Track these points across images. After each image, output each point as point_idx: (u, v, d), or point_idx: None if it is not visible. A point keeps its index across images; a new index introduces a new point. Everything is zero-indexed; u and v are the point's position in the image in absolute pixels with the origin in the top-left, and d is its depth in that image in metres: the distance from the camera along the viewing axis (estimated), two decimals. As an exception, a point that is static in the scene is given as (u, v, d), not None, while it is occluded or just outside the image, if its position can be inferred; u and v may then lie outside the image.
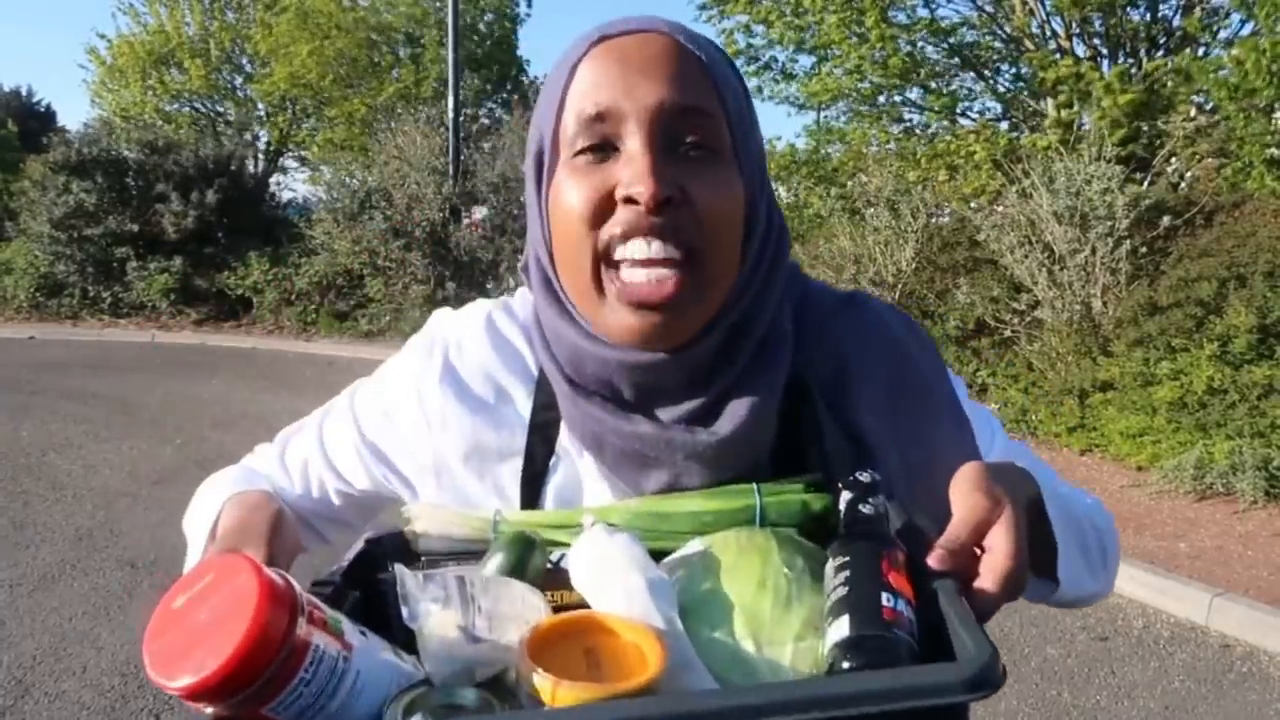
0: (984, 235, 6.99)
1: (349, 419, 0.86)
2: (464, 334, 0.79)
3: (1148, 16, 8.78)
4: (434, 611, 0.55)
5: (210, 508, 0.78)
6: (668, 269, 0.62)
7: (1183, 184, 7.90)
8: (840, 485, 0.61)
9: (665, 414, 0.68)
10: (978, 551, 0.58)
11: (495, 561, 0.62)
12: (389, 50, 16.62)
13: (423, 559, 0.68)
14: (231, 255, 12.68)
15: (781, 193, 12.01)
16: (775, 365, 0.68)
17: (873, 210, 7.87)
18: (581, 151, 0.64)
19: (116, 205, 12.75)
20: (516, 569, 0.61)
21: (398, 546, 0.65)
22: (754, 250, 0.68)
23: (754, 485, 0.66)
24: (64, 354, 10.37)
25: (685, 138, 0.63)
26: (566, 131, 0.65)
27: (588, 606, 0.59)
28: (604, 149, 0.63)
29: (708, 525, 0.65)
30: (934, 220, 8.10)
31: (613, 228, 0.63)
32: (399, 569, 0.57)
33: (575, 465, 0.72)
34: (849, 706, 0.48)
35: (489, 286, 11.20)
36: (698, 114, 0.62)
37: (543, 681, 0.52)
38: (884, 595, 0.55)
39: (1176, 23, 8.68)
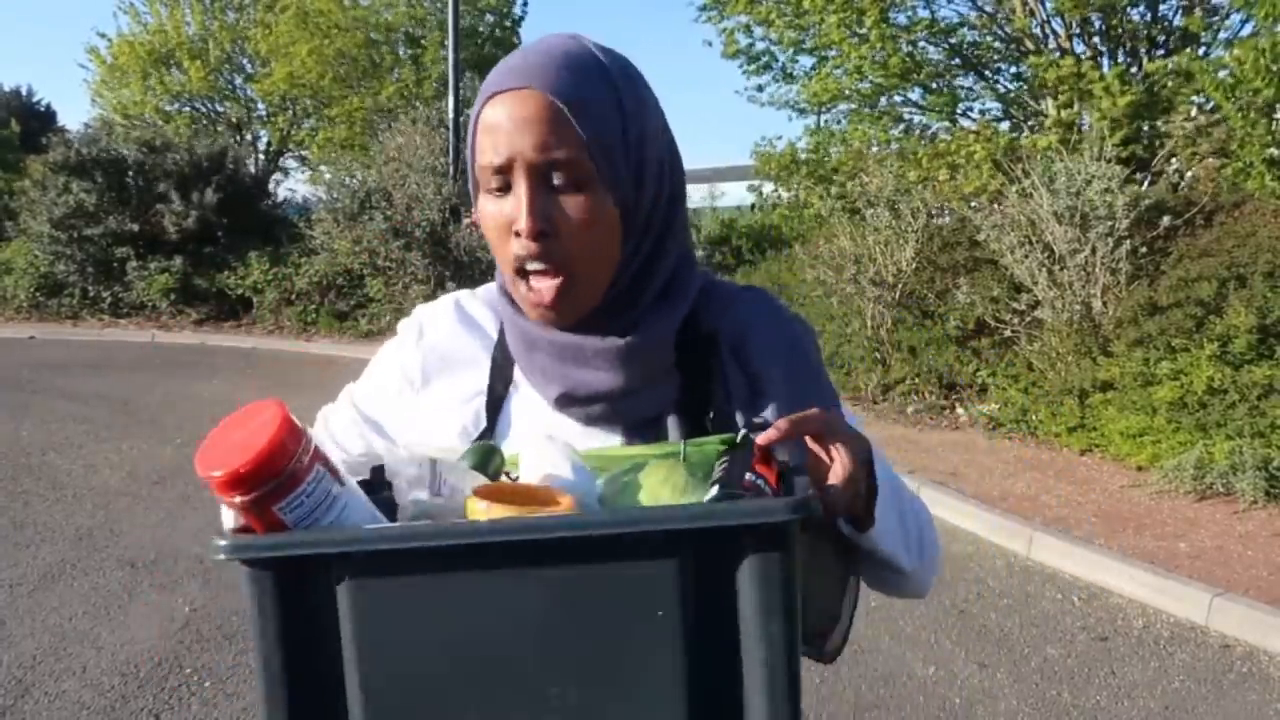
0: (984, 235, 6.99)
1: (347, 400, 1.07)
2: (436, 312, 1.02)
3: (1148, 16, 8.78)
4: (410, 477, 0.74)
5: None
6: (550, 279, 0.84)
7: (1183, 184, 7.90)
8: (742, 425, 0.82)
9: (587, 327, 0.88)
10: (827, 461, 0.77)
11: (464, 459, 0.78)
12: (389, 50, 16.61)
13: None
14: (231, 255, 12.67)
15: (781, 193, 12.03)
16: (672, 305, 0.89)
17: (873, 210, 7.87)
18: (490, 189, 0.85)
19: (116, 205, 12.74)
20: (479, 467, 0.77)
21: (378, 475, 0.79)
22: (635, 236, 0.86)
23: (681, 441, 0.83)
24: (64, 354, 10.37)
25: (554, 179, 0.82)
26: (479, 171, 0.85)
27: None
28: (504, 188, 0.83)
29: (639, 465, 0.80)
30: (934, 220, 8.10)
31: (516, 248, 0.84)
32: (387, 450, 0.79)
33: (527, 393, 0.92)
34: (693, 521, 0.63)
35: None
36: (561, 163, 0.81)
37: (477, 505, 0.68)
38: (748, 474, 0.72)
39: (1177, 22, 8.68)
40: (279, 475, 0.66)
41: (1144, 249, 6.46)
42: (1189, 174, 7.93)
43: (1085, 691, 3.16)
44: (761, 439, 0.74)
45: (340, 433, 1.04)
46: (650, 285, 0.88)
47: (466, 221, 11.63)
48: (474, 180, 0.87)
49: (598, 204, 0.83)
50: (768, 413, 0.85)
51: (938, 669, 3.29)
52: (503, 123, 0.81)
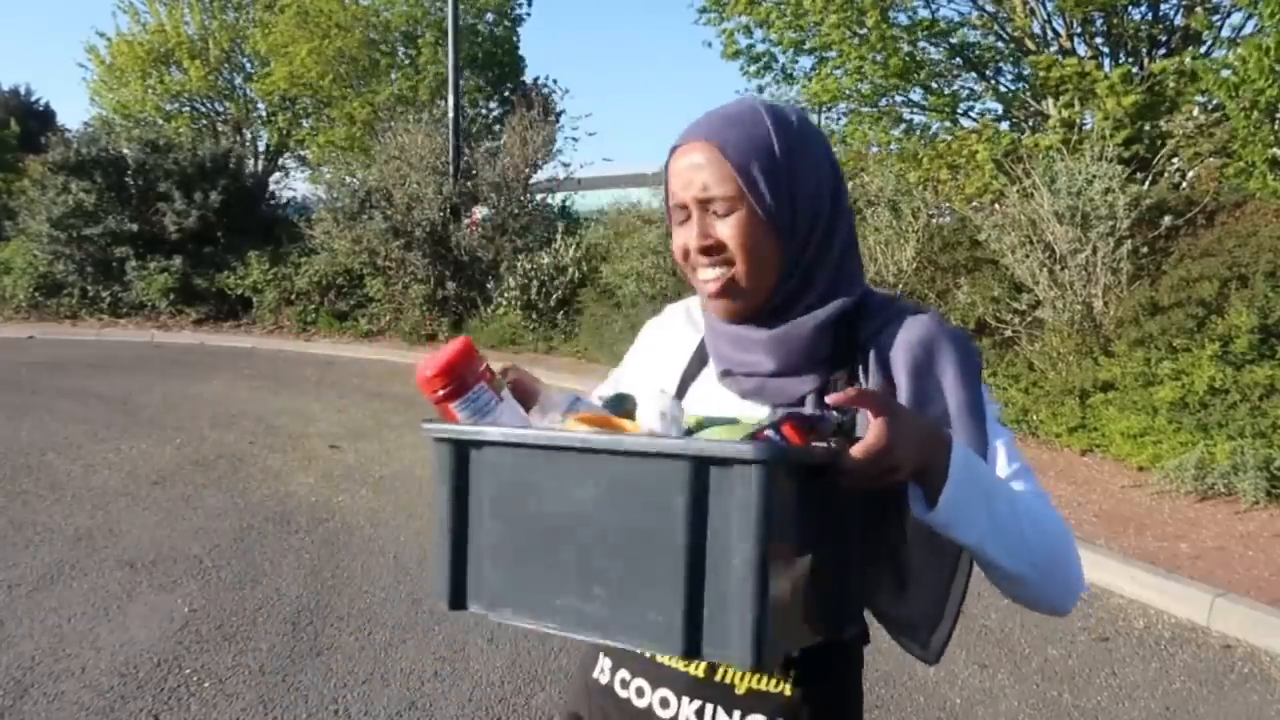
0: (985, 235, 6.98)
1: (613, 374, 1.38)
2: (667, 314, 1.32)
3: (1149, 15, 8.76)
4: (551, 407, 1.05)
5: None
6: (716, 279, 1.09)
7: (1184, 184, 7.89)
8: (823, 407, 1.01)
9: (753, 323, 1.12)
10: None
11: (606, 402, 1.12)
12: (389, 50, 16.60)
13: None
14: (231, 255, 12.67)
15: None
16: (818, 313, 1.08)
17: (873, 210, 7.86)
18: (678, 223, 1.11)
19: (116, 205, 12.74)
20: (614, 408, 1.09)
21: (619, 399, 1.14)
22: (794, 253, 1.08)
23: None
24: (63, 354, 10.37)
25: (713, 210, 1.07)
26: (672, 206, 1.11)
27: None
28: (685, 220, 1.09)
29: (738, 434, 0.99)
30: (935, 220, 8.09)
31: (689, 263, 1.12)
32: (543, 389, 1.12)
33: (708, 374, 1.18)
34: (686, 451, 0.82)
35: (489, 286, 11.18)
36: (719, 198, 1.06)
37: (569, 421, 1.01)
38: (769, 432, 0.91)
39: (1179, 22, 8.67)
40: (453, 381, 1.00)
41: (1145, 249, 6.45)
42: (1190, 174, 7.92)
43: (1086, 692, 3.15)
44: (830, 399, 0.90)
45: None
46: (804, 299, 1.09)
47: (466, 221, 11.63)
48: (669, 214, 1.14)
49: (749, 219, 1.06)
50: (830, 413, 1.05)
51: (938, 669, 3.28)
52: (681, 170, 1.08)
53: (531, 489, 0.91)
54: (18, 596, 3.76)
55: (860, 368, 1.08)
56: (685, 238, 1.09)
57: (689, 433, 1.02)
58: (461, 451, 0.96)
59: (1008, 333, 6.82)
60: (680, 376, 1.20)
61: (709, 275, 1.08)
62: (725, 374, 1.13)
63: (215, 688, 3.07)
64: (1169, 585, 3.87)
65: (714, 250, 1.07)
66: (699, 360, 1.20)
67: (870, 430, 0.87)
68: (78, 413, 7.16)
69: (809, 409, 1.06)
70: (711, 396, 1.14)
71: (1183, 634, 3.62)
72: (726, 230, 1.06)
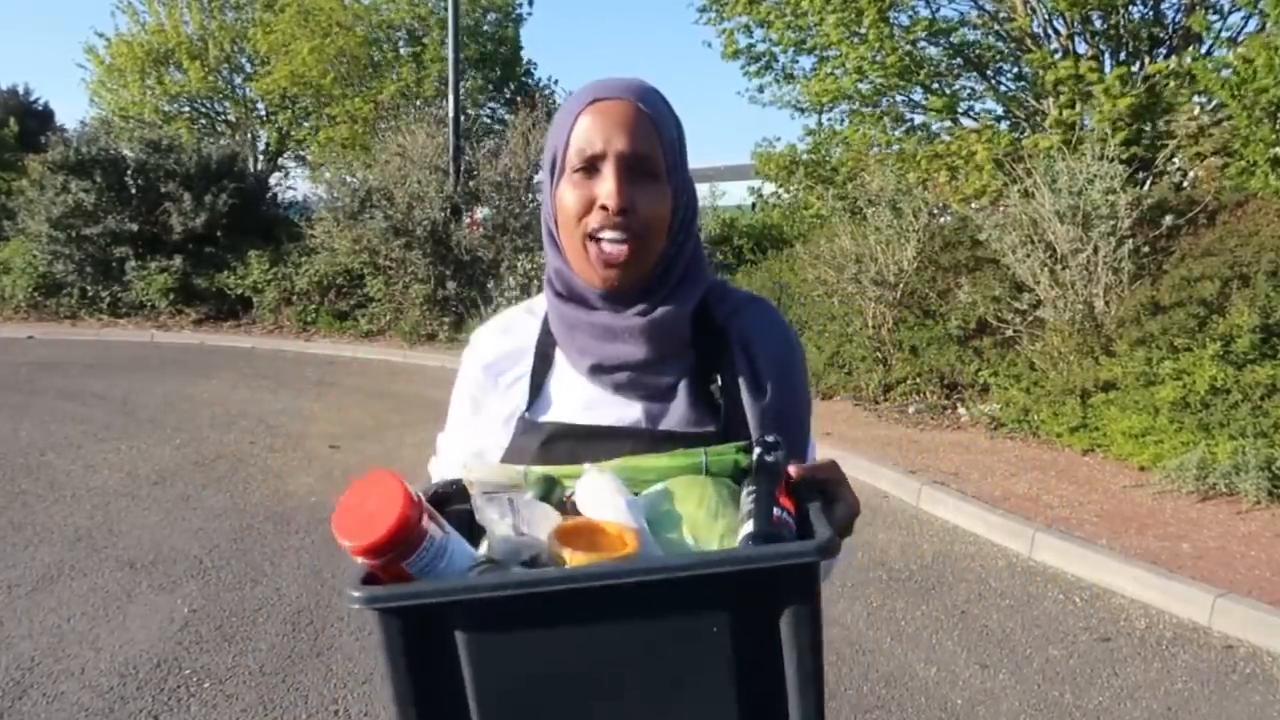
0: (986, 235, 6.97)
1: (444, 450, 1.24)
2: (482, 332, 1.21)
3: (1150, 15, 8.75)
4: (495, 518, 0.89)
5: None
6: (623, 245, 1.02)
7: (1185, 183, 7.88)
8: (754, 443, 0.94)
9: (617, 311, 1.07)
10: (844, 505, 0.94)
11: (531, 492, 0.95)
12: (390, 48, 16.59)
13: (476, 496, 0.98)
14: (231, 255, 12.66)
15: (782, 194, 12.00)
16: (686, 294, 1.08)
17: (874, 209, 7.85)
18: (577, 169, 1.03)
19: (115, 205, 12.73)
20: (544, 497, 0.94)
21: (459, 490, 0.97)
22: (676, 236, 1.08)
23: (703, 450, 0.98)
24: (63, 354, 10.36)
25: (638, 169, 1.03)
26: (571, 156, 1.04)
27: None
28: (590, 171, 1.03)
29: (667, 474, 0.97)
30: (936, 219, 8.08)
31: (593, 222, 1.03)
32: (474, 495, 0.94)
33: (564, 371, 1.11)
34: (746, 564, 0.77)
35: (489, 286, 11.17)
36: (645, 157, 1.03)
37: (565, 552, 0.84)
38: (775, 509, 0.87)
39: (1179, 22, 8.66)
40: (404, 542, 0.80)
41: (1146, 248, 6.44)
42: (1191, 173, 7.92)
43: (1087, 692, 3.14)
44: (791, 470, 0.91)
45: (457, 438, 1.21)
46: (675, 272, 1.08)
47: (467, 221, 11.62)
48: (558, 165, 1.06)
49: (663, 194, 1.04)
50: (756, 422, 1.04)
51: (939, 670, 3.28)
52: (603, 121, 1.02)
53: (532, 649, 0.78)
54: (17, 597, 3.75)
55: (724, 351, 1.08)
56: (595, 192, 1.02)
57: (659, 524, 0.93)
58: (429, 621, 0.77)
59: (1009, 332, 6.81)
60: (529, 383, 1.13)
61: (615, 239, 1.02)
62: (596, 369, 1.07)
63: (215, 688, 3.06)
64: (1171, 585, 3.86)
65: (627, 216, 1.01)
66: (543, 361, 1.13)
67: (843, 499, 0.93)
68: (77, 413, 7.15)
69: (683, 394, 1.05)
70: (577, 393, 1.09)
71: (1184, 634, 3.61)
72: (645, 199, 1.02)
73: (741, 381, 1.07)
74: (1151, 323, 5.88)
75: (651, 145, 1.03)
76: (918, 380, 7.20)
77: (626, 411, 1.06)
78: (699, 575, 0.76)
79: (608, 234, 1.02)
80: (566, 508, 0.93)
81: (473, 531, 0.91)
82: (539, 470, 0.97)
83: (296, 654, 3.29)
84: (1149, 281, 6.29)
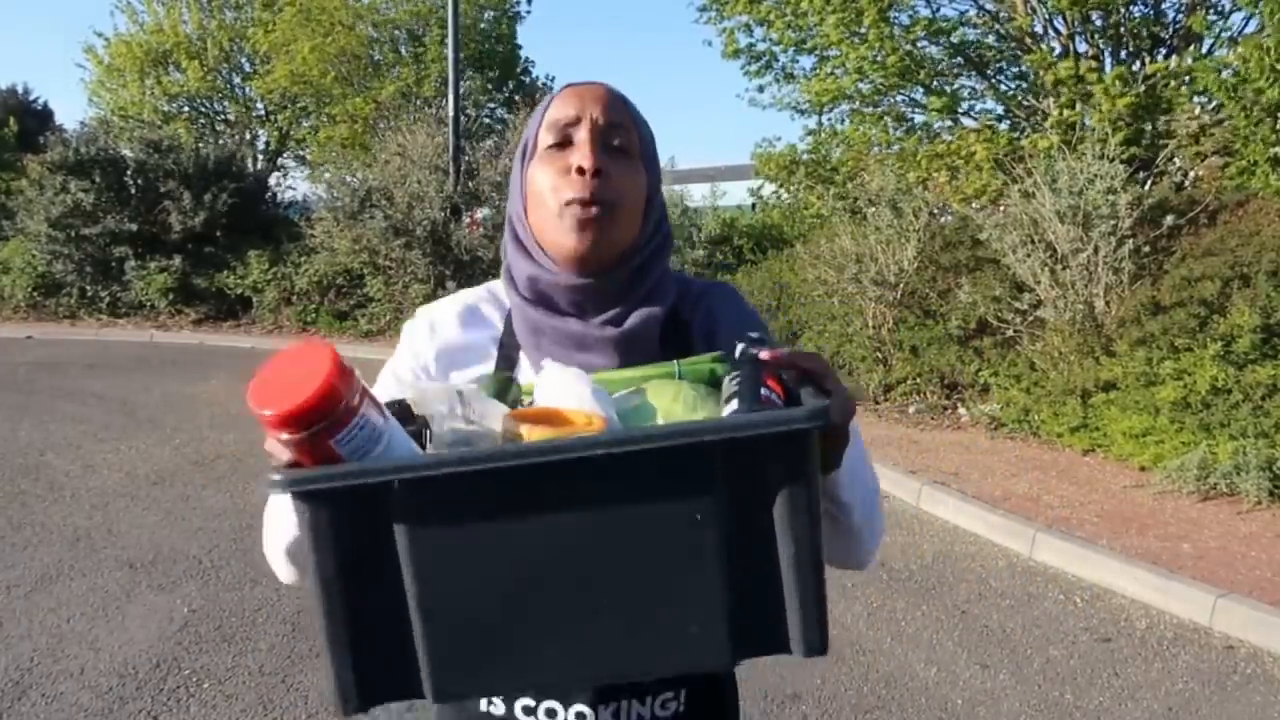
0: (986, 234, 6.97)
1: (379, 390, 1.09)
2: (443, 310, 1.12)
3: (1150, 14, 8.75)
4: (442, 410, 0.78)
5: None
6: (597, 208, 0.98)
7: (1186, 183, 7.88)
8: (737, 339, 0.86)
9: (588, 318, 1.02)
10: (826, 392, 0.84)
11: (483, 389, 0.86)
12: (390, 48, 16.58)
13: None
14: (231, 254, 12.65)
15: (782, 194, 12.00)
16: (660, 299, 1.04)
17: (874, 209, 7.84)
18: (550, 146, 1.01)
19: (115, 205, 12.72)
20: (498, 396, 0.86)
21: (404, 408, 0.84)
22: (650, 227, 1.05)
23: (675, 361, 0.93)
24: (62, 354, 10.35)
25: (613, 141, 1.01)
26: (543, 134, 1.02)
27: None
28: (563, 144, 1.00)
29: (638, 382, 0.90)
30: (936, 219, 8.08)
31: (567, 190, 0.99)
32: (417, 385, 0.86)
33: (529, 377, 1.02)
34: (733, 431, 0.69)
35: (489, 286, 11.17)
36: (621, 128, 1.01)
37: (522, 428, 0.75)
38: (762, 390, 0.79)
39: (1179, 22, 8.66)
40: (334, 412, 0.70)
41: (1147, 248, 6.44)
42: (1192, 173, 7.91)
43: (1088, 693, 3.14)
44: (766, 355, 0.83)
45: None
46: (649, 276, 1.05)
47: (466, 220, 11.62)
48: (529, 151, 1.04)
49: (638, 171, 1.02)
50: (753, 334, 0.94)
51: (939, 670, 3.27)
52: (576, 97, 1.02)
53: (485, 538, 0.69)
54: (16, 597, 3.75)
55: (689, 351, 1.02)
56: (569, 160, 0.99)
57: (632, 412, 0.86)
58: (361, 507, 0.67)
59: (1009, 332, 6.81)
60: (493, 369, 1.06)
61: (590, 212, 0.97)
62: None
63: (215, 688, 3.06)
64: (1171, 585, 3.86)
65: (600, 180, 0.98)
66: (506, 365, 1.06)
67: (835, 390, 0.82)
68: (77, 413, 7.15)
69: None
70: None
71: (1185, 634, 3.61)
72: (619, 170, 1.00)
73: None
74: (1152, 323, 5.88)
75: (625, 119, 1.02)
76: (918, 380, 7.20)
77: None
78: (678, 446, 0.67)
79: (581, 195, 0.98)
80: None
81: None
82: (497, 374, 0.93)
83: (296, 654, 3.28)
84: (1149, 281, 6.28)
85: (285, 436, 0.69)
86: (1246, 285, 5.70)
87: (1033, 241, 6.60)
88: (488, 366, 1.05)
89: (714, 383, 0.89)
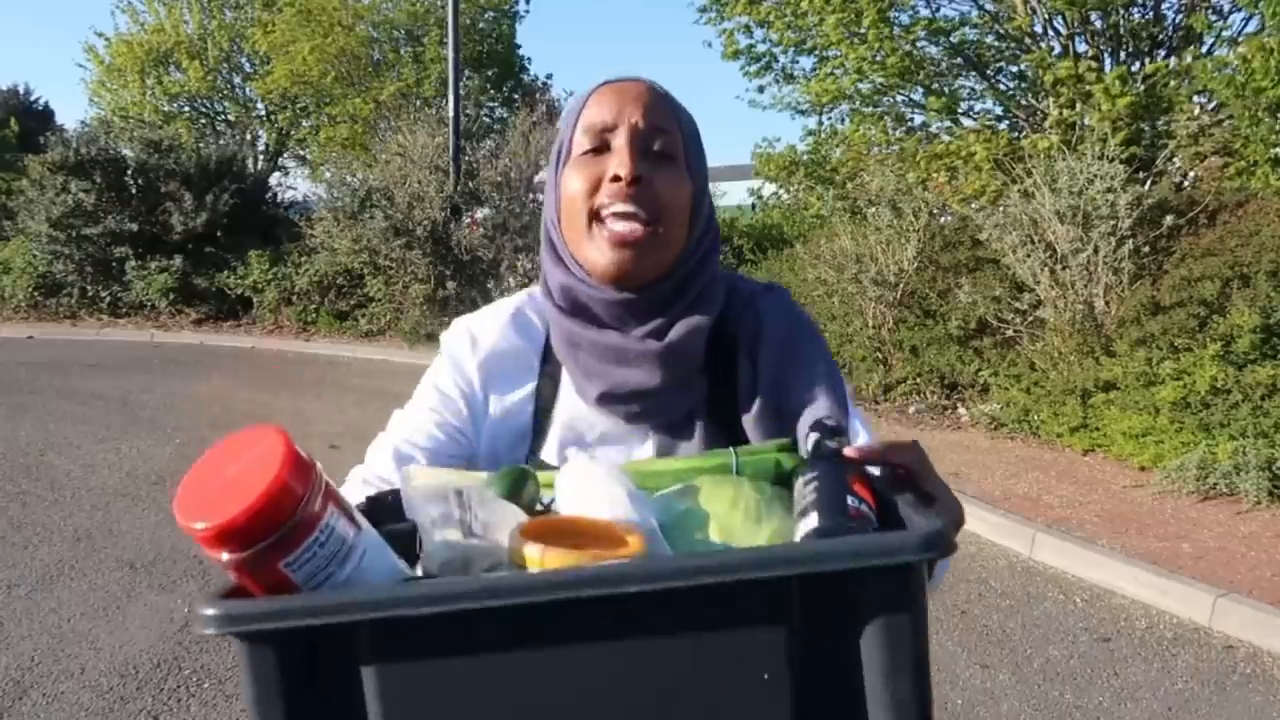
0: (986, 235, 6.97)
1: (396, 435, 1.03)
2: (485, 321, 1.05)
3: (1150, 15, 8.75)
4: (435, 516, 0.61)
5: None
6: (637, 223, 0.90)
7: (1186, 183, 7.87)
8: (809, 428, 0.72)
9: (628, 330, 0.95)
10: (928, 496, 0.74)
11: (492, 486, 0.70)
12: (390, 48, 16.58)
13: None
14: (231, 254, 12.65)
15: (782, 194, 12.00)
16: (707, 307, 0.96)
17: (874, 209, 7.85)
18: (586, 152, 0.93)
19: (115, 205, 12.72)
20: (510, 495, 0.68)
21: (394, 503, 0.69)
22: (697, 232, 0.97)
23: (732, 449, 0.79)
24: (63, 354, 10.35)
25: (654, 146, 0.93)
26: (578, 137, 0.95)
27: None
28: (600, 150, 0.93)
29: (687, 478, 0.73)
30: (936, 219, 8.08)
31: (602, 197, 0.91)
32: (404, 484, 0.66)
33: (568, 397, 0.98)
34: (819, 564, 0.52)
35: (489, 286, 11.18)
36: (663, 132, 0.93)
37: (532, 550, 0.55)
38: (849, 498, 0.64)
39: (1178, 22, 8.66)
40: (284, 524, 0.53)
41: (1147, 248, 6.44)
42: (1192, 173, 7.91)
43: (1088, 693, 3.14)
44: (851, 451, 0.67)
45: (419, 431, 1.01)
46: (695, 284, 0.96)
47: (466, 220, 11.62)
48: (564, 153, 0.97)
49: (682, 178, 0.94)
50: (818, 407, 0.84)
51: (939, 670, 3.27)
52: (615, 97, 0.94)
53: (478, 695, 0.53)
54: (17, 597, 3.75)
55: (738, 370, 0.95)
56: (606, 167, 0.91)
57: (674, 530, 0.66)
58: (321, 651, 0.52)
59: (1009, 332, 6.81)
60: (533, 408, 0.98)
61: (626, 214, 0.90)
62: (605, 398, 0.94)
63: (215, 688, 3.06)
64: (1171, 585, 3.86)
65: (641, 189, 0.90)
66: (549, 382, 0.99)
67: (938, 490, 0.72)
68: (77, 413, 7.15)
69: (699, 430, 0.90)
70: (585, 424, 0.95)
71: (1185, 634, 3.61)
72: (662, 178, 0.92)
73: (743, 392, 0.93)
74: (1152, 323, 5.88)
75: (668, 122, 0.94)
76: (918, 380, 7.20)
77: (640, 449, 0.95)
78: (740, 581, 0.51)
79: (618, 207, 0.90)
80: (541, 512, 0.70)
81: (414, 558, 0.65)
82: (510, 467, 0.77)
83: None
84: (1149, 281, 6.28)
85: (224, 556, 0.54)
86: (1246, 285, 5.70)
87: (1033, 241, 6.60)
88: (531, 380, 0.99)
89: (781, 479, 0.73)
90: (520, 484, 0.71)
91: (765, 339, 0.96)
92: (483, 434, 0.99)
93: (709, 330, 0.95)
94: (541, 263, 1.01)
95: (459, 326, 1.05)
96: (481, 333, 1.03)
